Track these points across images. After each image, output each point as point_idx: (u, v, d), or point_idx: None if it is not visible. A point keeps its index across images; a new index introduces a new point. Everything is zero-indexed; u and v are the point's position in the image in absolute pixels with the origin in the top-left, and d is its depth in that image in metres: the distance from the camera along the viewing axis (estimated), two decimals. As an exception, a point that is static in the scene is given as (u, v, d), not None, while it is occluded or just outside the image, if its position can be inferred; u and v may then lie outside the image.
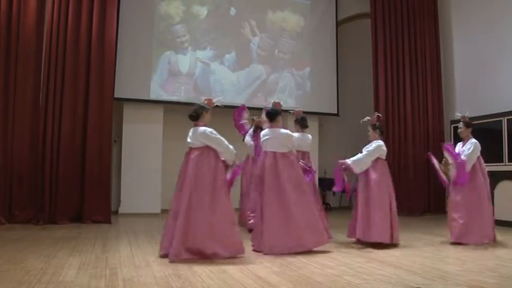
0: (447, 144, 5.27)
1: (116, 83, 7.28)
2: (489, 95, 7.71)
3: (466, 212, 4.90)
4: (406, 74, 8.81)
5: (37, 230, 5.61)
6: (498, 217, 6.58)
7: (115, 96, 7.21)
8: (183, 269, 3.40)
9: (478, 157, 5.11)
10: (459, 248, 4.57)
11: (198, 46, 8.24)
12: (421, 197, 8.41)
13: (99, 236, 5.13)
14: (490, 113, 7.03)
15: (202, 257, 3.75)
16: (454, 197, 5.07)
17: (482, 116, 7.13)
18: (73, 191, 6.51)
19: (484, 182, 5.07)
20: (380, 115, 5.20)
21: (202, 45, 8.26)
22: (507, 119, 6.60)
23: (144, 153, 7.92)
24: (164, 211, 7.95)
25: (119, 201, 7.78)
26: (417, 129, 8.70)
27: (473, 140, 5.14)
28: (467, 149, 5.07)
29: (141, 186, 7.79)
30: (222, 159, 4.09)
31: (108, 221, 6.44)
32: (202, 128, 4.05)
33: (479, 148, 5.10)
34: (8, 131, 6.27)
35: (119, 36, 7.50)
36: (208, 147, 4.02)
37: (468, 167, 4.98)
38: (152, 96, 7.95)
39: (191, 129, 4.14)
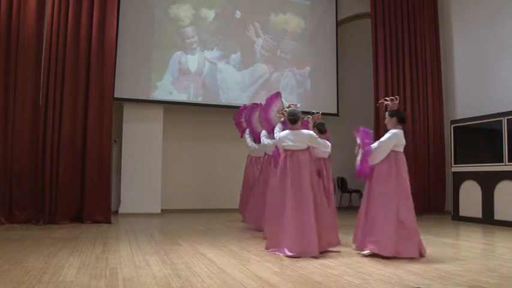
0: (364, 128, 4.28)
1: (116, 83, 7.30)
2: (489, 95, 7.72)
3: (365, 215, 4.15)
4: (406, 73, 8.81)
5: (37, 230, 5.61)
6: (498, 217, 6.59)
7: (115, 96, 7.22)
8: (183, 269, 3.40)
9: (398, 153, 4.16)
10: (459, 248, 4.56)
11: (206, 47, 8.55)
12: (421, 197, 8.40)
13: (99, 236, 5.13)
14: (490, 113, 7.02)
15: (325, 249, 4.13)
16: (366, 192, 4.23)
17: (482, 116, 7.13)
18: (73, 191, 6.51)
19: (396, 182, 4.05)
20: (319, 113, 5.12)
21: (210, 46, 8.59)
22: (507, 119, 6.58)
23: (144, 153, 7.93)
24: (164, 211, 7.98)
25: (119, 201, 7.78)
26: (417, 129, 8.70)
27: (395, 130, 4.18)
28: (384, 137, 4.18)
29: (141, 186, 7.80)
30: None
31: (108, 221, 6.43)
32: (306, 131, 4.37)
33: (400, 140, 4.16)
34: (8, 131, 6.26)
35: (119, 36, 7.53)
36: (308, 148, 4.31)
37: (375, 158, 4.11)
38: (155, 95, 8.03)
39: (289, 132, 4.32)
